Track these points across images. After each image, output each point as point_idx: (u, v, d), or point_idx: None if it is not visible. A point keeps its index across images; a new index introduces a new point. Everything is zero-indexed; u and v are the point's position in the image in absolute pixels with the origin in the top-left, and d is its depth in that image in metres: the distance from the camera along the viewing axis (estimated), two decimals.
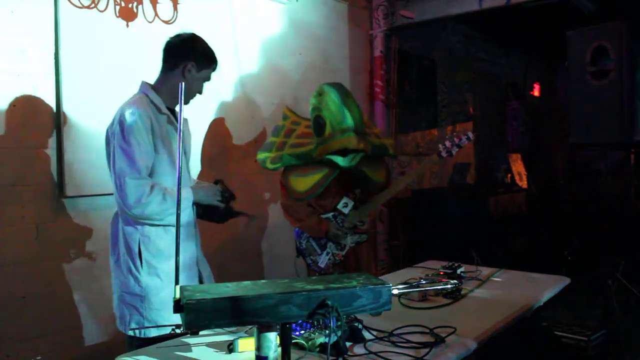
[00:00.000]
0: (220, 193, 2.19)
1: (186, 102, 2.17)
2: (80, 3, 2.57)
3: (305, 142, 2.67)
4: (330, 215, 2.75)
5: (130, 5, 2.76)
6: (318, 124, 2.59)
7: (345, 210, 2.74)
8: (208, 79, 2.18)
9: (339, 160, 2.56)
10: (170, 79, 2.12)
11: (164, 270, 2.06)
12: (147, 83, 2.15)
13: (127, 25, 2.76)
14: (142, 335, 2.01)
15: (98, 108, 2.66)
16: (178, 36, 2.15)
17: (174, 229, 2.02)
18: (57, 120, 2.53)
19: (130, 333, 2.05)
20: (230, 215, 2.26)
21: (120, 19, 2.72)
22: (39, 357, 2.46)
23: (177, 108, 2.19)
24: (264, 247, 3.64)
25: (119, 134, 1.98)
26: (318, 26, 4.03)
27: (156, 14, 2.88)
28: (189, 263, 2.16)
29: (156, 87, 2.14)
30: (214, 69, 2.19)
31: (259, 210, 3.58)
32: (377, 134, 2.92)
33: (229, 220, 2.28)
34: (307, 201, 2.76)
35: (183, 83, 1.37)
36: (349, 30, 4.33)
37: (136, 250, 2.05)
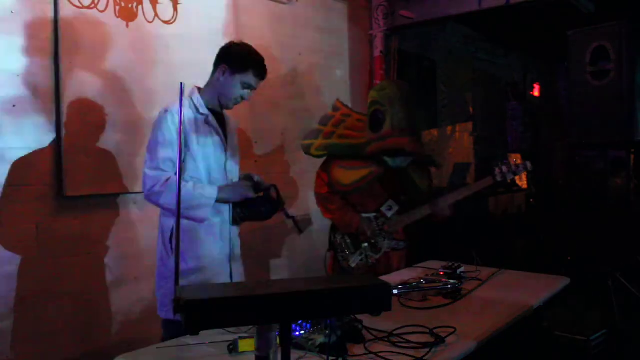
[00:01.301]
0: (251, 188, 2.21)
1: (227, 107, 2.29)
2: (80, 3, 2.57)
3: (355, 135, 2.63)
4: (372, 215, 2.69)
5: (130, 6, 2.76)
6: (377, 118, 2.55)
7: (389, 214, 2.68)
8: (249, 85, 2.22)
9: (390, 160, 2.55)
10: (212, 82, 2.25)
11: (192, 257, 2.16)
12: (196, 87, 2.27)
13: (127, 26, 2.76)
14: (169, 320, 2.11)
15: (98, 108, 2.66)
16: (227, 43, 2.27)
17: (208, 222, 2.15)
18: (57, 120, 2.53)
19: (161, 315, 2.18)
20: (273, 211, 2.25)
21: (120, 19, 2.72)
22: None
23: (226, 113, 2.33)
24: (270, 249, 3.64)
25: (152, 131, 2.15)
26: (318, 26, 4.03)
27: (156, 14, 2.88)
28: (218, 259, 2.22)
29: (202, 89, 2.26)
30: (254, 76, 2.21)
31: None
32: (423, 142, 2.91)
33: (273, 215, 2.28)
34: (346, 196, 2.71)
35: (182, 82, 1.37)
36: (349, 30, 4.33)
37: (168, 237, 2.15)
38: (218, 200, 2.14)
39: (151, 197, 2.07)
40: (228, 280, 2.25)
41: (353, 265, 2.69)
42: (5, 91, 2.37)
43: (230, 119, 2.38)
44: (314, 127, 2.77)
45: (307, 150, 2.67)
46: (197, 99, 2.22)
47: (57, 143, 2.53)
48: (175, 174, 2.06)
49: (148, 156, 2.12)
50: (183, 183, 2.06)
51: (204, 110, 2.22)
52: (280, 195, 2.26)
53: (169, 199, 2.04)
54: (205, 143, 2.19)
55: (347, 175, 2.61)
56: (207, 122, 2.21)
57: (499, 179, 2.66)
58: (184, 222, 2.13)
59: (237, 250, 2.34)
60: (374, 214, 2.69)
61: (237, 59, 2.20)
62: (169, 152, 2.08)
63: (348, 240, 2.71)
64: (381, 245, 2.68)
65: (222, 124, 2.28)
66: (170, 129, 2.09)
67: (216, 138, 2.23)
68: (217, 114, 2.27)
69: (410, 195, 2.75)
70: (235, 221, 2.27)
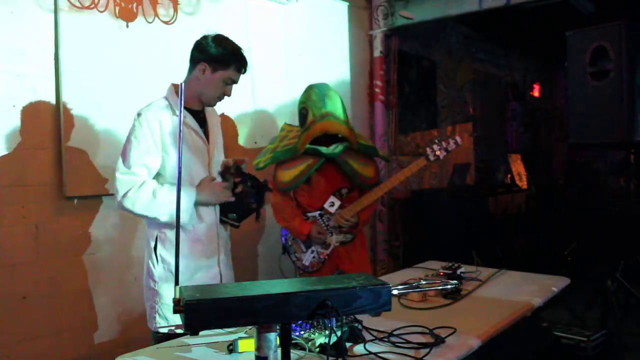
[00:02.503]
0: (229, 189, 2.13)
1: (210, 104, 2.20)
2: (80, 3, 2.57)
3: (294, 140, 2.75)
4: (317, 213, 2.79)
5: (130, 6, 2.76)
6: (302, 115, 2.70)
7: (332, 210, 2.78)
8: (232, 81, 2.13)
9: (323, 149, 2.65)
10: (190, 81, 2.13)
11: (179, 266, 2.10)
12: (173, 85, 2.17)
13: (127, 26, 2.76)
14: (158, 332, 2.08)
15: (98, 108, 2.66)
16: (201, 37, 2.13)
17: (192, 227, 2.10)
18: (57, 120, 2.53)
19: (151, 328, 2.14)
20: (261, 197, 2.25)
21: (120, 19, 2.72)
22: None
23: (207, 109, 2.24)
24: (259, 249, 3.64)
25: (127, 135, 2.07)
26: (318, 26, 4.03)
27: (156, 15, 2.88)
28: (206, 263, 2.17)
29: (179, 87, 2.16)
30: (237, 71, 2.12)
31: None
32: (365, 138, 3.00)
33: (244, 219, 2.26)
34: (295, 201, 2.83)
35: (182, 84, 1.37)
36: (349, 30, 4.33)
37: (152, 245, 2.11)
38: (198, 203, 2.06)
39: (125, 202, 1.98)
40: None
41: (307, 263, 2.81)
42: (5, 91, 2.37)
43: (211, 114, 2.28)
44: (265, 148, 2.90)
45: (256, 166, 2.77)
46: (174, 99, 2.11)
47: (57, 143, 2.53)
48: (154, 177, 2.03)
49: (120, 160, 2.03)
50: (158, 186, 2.01)
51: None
52: (257, 178, 2.24)
53: (144, 205, 1.98)
54: (184, 146, 2.08)
55: (287, 173, 2.72)
56: (184, 124, 2.09)
57: (431, 158, 2.75)
58: (167, 230, 2.08)
59: (226, 255, 2.28)
60: (319, 212, 2.79)
61: (217, 56, 2.07)
62: (142, 156, 2.00)
63: (299, 241, 2.83)
64: (329, 240, 2.78)
65: (202, 123, 2.19)
66: (144, 133, 2.01)
67: (196, 139, 2.14)
68: (196, 112, 2.18)
69: (356, 184, 2.82)
70: (232, 225, 2.25)
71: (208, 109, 2.26)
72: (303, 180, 2.73)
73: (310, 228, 2.75)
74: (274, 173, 2.77)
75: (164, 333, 2.03)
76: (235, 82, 2.15)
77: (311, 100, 2.66)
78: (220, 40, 2.11)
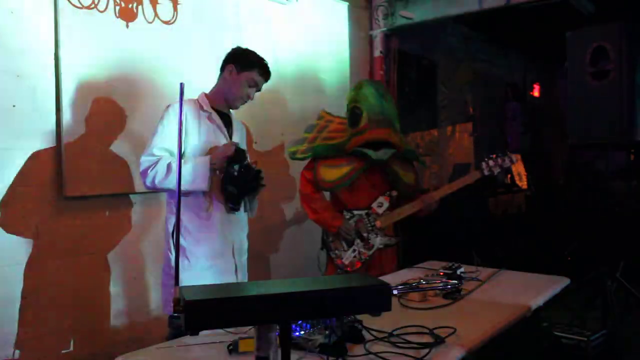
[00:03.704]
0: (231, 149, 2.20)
1: (235, 107, 2.39)
2: (80, 3, 2.57)
3: (338, 135, 2.71)
4: (364, 212, 2.73)
5: (130, 6, 2.76)
6: (354, 114, 2.63)
7: (380, 210, 2.73)
8: (255, 83, 2.32)
9: (371, 153, 2.59)
10: (218, 84, 2.36)
11: (193, 252, 2.21)
12: (203, 93, 2.37)
13: (127, 26, 2.76)
14: (173, 317, 2.16)
15: (98, 108, 2.66)
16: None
17: (206, 215, 2.21)
18: (57, 120, 2.53)
19: (168, 313, 2.25)
20: (258, 177, 2.25)
21: (120, 19, 2.72)
22: None
23: (234, 116, 2.44)
24: (269, 247, 3.64)
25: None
26: (318, 26, 4.03)
27: (156, 15, 2.88)
28: (220, 254, 2.26)
29: (208, 94, 2.36)
30: (261, 75, 2.32)
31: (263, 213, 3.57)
32: (405, 140, 2.98)
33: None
34: (336, 194, 2.78)
35: (182, 83, 1.38)
36: (349, 30, 4.33)
37: (171, 230, 2.23)
38: (213, 166, 2.17)
39: (147, 180, 2.15)
40: (233, 276, 2.29)
41: (347, 262, 2.74)
42: (5, 91, 2.36)
43: (237, 122, 2.45)
44: (301, 136, 2.87)
45: (292, 155, 2.76)
46: (203, 99, 2.32)
47: (57, 143, 2.53)
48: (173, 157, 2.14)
49: (147, 146, 2.21)
50: (173, 159, 2.13)
51: (207, 107, 2.29)
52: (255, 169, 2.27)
53: (161, 177, 2.12)
54: (205, 136, 2.25)
55: (331, 172, 2.68)
56: (209, 118, 2.28)
57: (486, 172, 2.69)
58: (184, 218, 2.19)
59: (242, 245, 2.38)
60: (365, 211, 2.73)
61: (243, 57, 2.32)
62: (164, 141, 2.17)
63: (341, 238, 2.75)
64: (373, 241, 2.72)
65: (227, 124, 2.35)
66: (171, 121, 2.18)
67: (219, 135, 2.29)
68: (222, 114, 2.35)
69: (398, 190, 2.79)
70: (233, 208, 2.27)
71: (234, 117, 2.44)
72: (347, 184, 2.69)
73: (342, 222, 2.69)
74: (312, 166, 2.74)
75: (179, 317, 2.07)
76: (259, 86, 2.34)
77: (367, 101, 2.59)
78: (248, 49, 2.38)
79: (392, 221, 2.76)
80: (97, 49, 2.64)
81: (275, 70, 3.74)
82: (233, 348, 1.56)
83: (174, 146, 2.16)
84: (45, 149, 2.50)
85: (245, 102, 2.37)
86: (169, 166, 2.13)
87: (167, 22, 2.94)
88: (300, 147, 2.75)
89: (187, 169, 2.12)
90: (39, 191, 2.48)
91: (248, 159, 2.30)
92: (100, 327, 2.70)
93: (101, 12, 2.65)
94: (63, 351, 2.55)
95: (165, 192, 2.30)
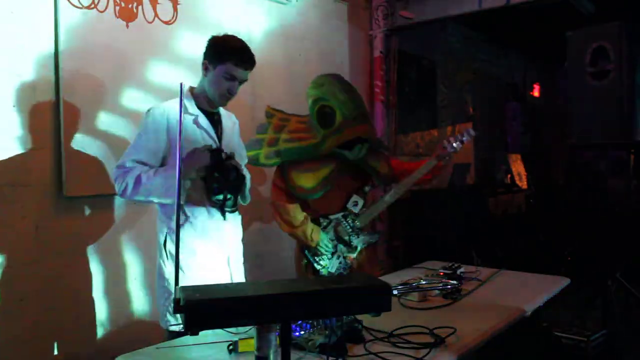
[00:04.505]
0: (206, 152, 2.06)
1: (220, 104, 2.22)
2: (80, 3, 2.57)
3: (302, 137, 2.52)
4: (339, 215, 2.60)
5: (130, 6, 2.76)
6: (325, 114, 2.45)
7: (356, 210, 2.61)
8: (232, 77, 2.10)
9: (348, 154, 2.47)
10: (200, 81, 2.19)
11: (187, 263, 2.11)
12: (190, 87, 2.21)
13: (127, 26, 2.76)
14: (170, 331, 2.07)
15: (98, 108, 2.66)
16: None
17: (200, 224, 2.11)
18: (57, 120, 2.53)
19: (163, 326, 2.14)
20: (240, 174, 2.12)
21: (120, 19, 2.72)
22: None
23: (222, 112, 2.28)
24: (267, 247, 3.64)
25: None
26: (318, 26, 4.03)
27: (156, 15, 2.88)
28: (213, 263, 2.16)
29: (193, 89, 2.21)
30: (235, 65, 2.08)
31: (258, 210, 3.57)
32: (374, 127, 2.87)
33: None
34: (307, 201, 2.60)
35: (182, 83, 1.37)
36: (349, 30, 4.33)
37: (162, 241, 2.13)
38: (185, 173, 2.00)
39: (119, 192, 2.06)
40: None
41: (333, 270, 2.60)
42: (5, 91, 2.37)
43: (227, 116, 2.30)
44: (252, 138, 2.61)
45: (255, 161, 2.51)
46: (188, 99, 2.15)
47: (57, 143, 2.53)
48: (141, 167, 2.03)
49: (122, 155, 2.11)
50: (143, 171, 2.01)
51: (193, 110, 2.15)
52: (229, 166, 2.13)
53: (132, 190, 2.01)
54: (191, 141, 2.09)
55: (307, 178, 2.50)
56: (195, 122, 2.14)
57: (450, 150, 2.56)
58: (174, 227, 2.07)
59: (237, 253, 2.29)
60: (342, 213, 2.61)
61: (214, 50, 2.11)
62: (138, 152, 2.06)
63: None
64: (356, 243, 2.61)
65: (215, 124, 2.21)
66: (147, 129, 2.07)
67: (207, 139, 2.14)
68: (209, 114, 2.20)
69: (377, 183, 2.72)
70: (230, 211, 2.18)
71: (224, 112, 2.29)
72: (331, 188, 2.52)
73: (319, 237, 2.54)
74: (281, 172, 2.55)
75: (176, 332, 2.04)
76: (237, 78, 2.12)
77: (337, 98, 2.43)
78: (219, 38, 2.14)
79: (373, 217, 2.63)
80: (97, 49, 2.64)
81: (275, 71, 3.76)
82: (233, 348, 1.56)
83: (149, 158, 2.05)
84: (45, 149, 2.50)
85: (229, 98, 2.17)
86: (137, 179, 2.01)
87: (167, 22, 2.94)
88: (260, 150, 2.51)
89: (157, 181, 2.00)
90: (39, 191, 2.48)
91: (222, 155, 2.12)
92: (100, 327, 2.70)
93: (101, 12, 2.65)
94: (63, 351, 2.55)
95: (156, 204, 2.13)
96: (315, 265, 2.60)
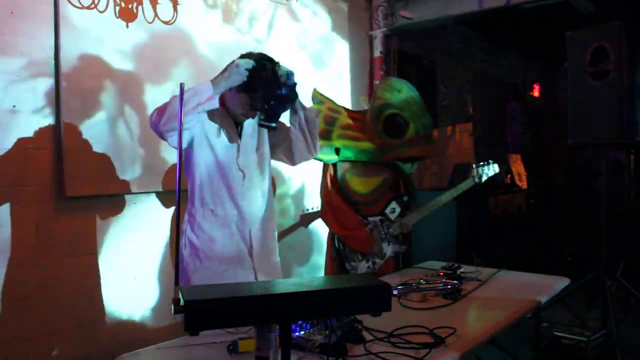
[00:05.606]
0: (243, 70, 1.95)
1: (237, 120, 2.15)
2: (80, 3, 2.57)
3: (357, 137, 2.48)
4: (377, 219, 2.63)
5: (130, 6, 2.76)
6: (397, 123, 2.44)
7: (392, 216, 2.63)
8: (245, 100, 2.04)
9: (406, 167, 2.49)
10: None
11: (204, 252, 2.10)
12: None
13: (127, 26, 2.76)
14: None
15: (98, 108, 2.66)
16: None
17: (221, 212, 2.07)
18: (57, 120, 2.53)
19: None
20: (293, 89, 1.99)
21: (120, 19, 2.72)
22: None
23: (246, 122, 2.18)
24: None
25: None
26: (318, 26, 4.03)
27: (156, 15, 2.88)
28: (235, 254, 2.11)
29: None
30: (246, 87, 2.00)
31: None
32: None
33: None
34: (350, 202, 2.60)
35: (182, 83, 1.37)
36: (349, 30, 4.33)
37: (183, 228, 2.13)
38: (214, 82, 1.94)
39: (151, 121, 1.94)
40: (252, 277, 2.13)
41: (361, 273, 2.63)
42: (5, 91, 2.36)
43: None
44: None
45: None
46: (218, 106, 2.05)
47: (57, 143, 2.53)
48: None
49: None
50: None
51: (217, 119, 2.12)
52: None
53: (160, 108, 1.91)
54: (211, 132, 2.08)
55: (364, 184, 2.51)
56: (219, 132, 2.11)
57: (477, 180, 2.72)
58: (198, 215, 2.09)
59: (265, 244, 2.20)
60: (380, 217, 2.63)
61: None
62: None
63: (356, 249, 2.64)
64: (386, 250, 2.64)
65: (238, 122, 2.16)
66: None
67: (232, 133, 2.12)
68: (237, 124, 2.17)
69: (412, 194, 2.75)
70: (263, 123, 2.06)
71: None
72: (379, 198, 2.53)
73: (374, 242, 2.55)
74: (335, 170, 2.51)
75: None
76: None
77: (412, 111, 2.40)
78: (255, 65, 2.03)
79: (406, 229, 2.64)
80: (97, 49, 2.64)
81: None
82: (233, 348, 1.56)
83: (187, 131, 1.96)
84: (45, 149, 2.50)
85: (248, 118, 2.13)
86: (170, 100, 1.90)
87: (167, 22, 2.94)
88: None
89: (188, 94, 1.86)
90: (39, 191, 2.48)
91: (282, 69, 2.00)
92: (100, 327, 2.70)
93: (101, 12, 2.65)
94: (63, 351, 2.55)
95: (186, 187, 2.05)
96: (347, 264, 2.62)
